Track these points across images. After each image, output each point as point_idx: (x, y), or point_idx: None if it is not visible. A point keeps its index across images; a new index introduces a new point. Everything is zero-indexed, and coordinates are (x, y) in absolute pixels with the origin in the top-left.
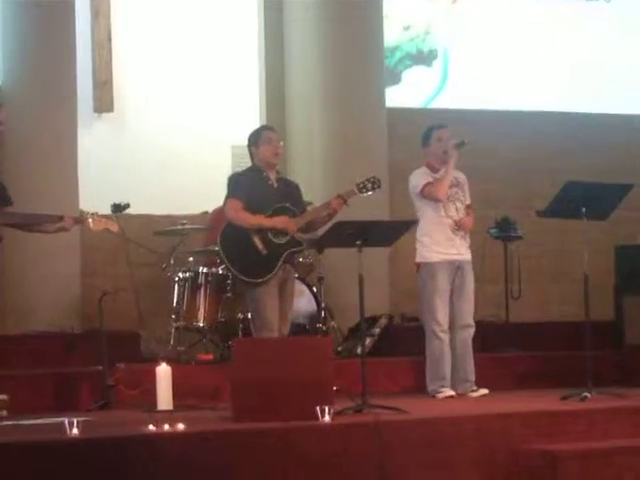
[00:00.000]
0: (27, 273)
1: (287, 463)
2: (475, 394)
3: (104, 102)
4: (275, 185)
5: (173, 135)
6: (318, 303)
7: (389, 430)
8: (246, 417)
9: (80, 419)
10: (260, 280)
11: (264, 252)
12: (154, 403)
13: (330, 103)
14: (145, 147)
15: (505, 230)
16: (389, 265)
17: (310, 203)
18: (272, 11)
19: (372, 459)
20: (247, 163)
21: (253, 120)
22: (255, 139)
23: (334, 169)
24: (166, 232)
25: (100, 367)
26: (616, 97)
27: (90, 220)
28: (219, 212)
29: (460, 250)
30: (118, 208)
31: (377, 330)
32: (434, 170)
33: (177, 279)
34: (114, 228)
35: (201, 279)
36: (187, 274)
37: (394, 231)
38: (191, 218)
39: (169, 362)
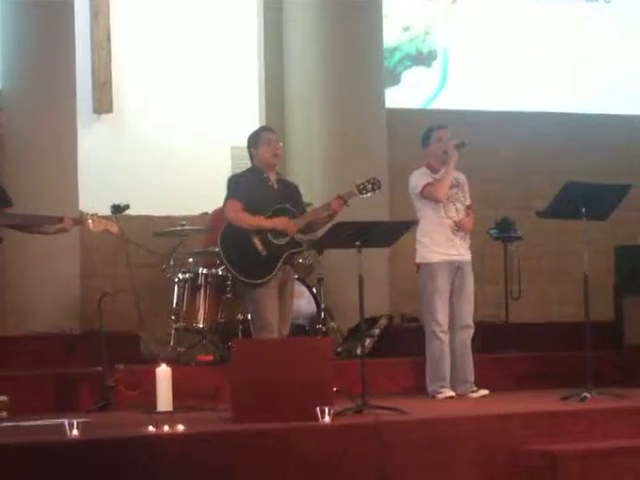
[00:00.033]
0: (27, 274)
1: (287, 464)
2: (475, 395)
3: (103, 103)
4: (275, 186)
5: (172, 136)
6: (318, 304)
7: (389, 431)
8: (246, 418)
9: (80, 420)
10: (260, 281)
11: (264, 253)
12: (154, 404)
13: (329, 104)
14: (144, 148)
15: (505, 231)
16: (389, 266)
17: (310, 204)
18: (271, 11)
19: (372, 460)
20: (246, 164)
21: (252, 121)
22: (254, 140)
23: (334, 170)
24: (166, 233)
25: (100, 368)
26: (616, 98)
27: (90, 221)
28: (218, 213)
29: (460, 251)
30: (118, 209)
31: (377, 331)
32: (434, 171)
33: (177, 280)
34: (114, 229)
35: (201, 280)
36: (187, 275)
37: (394, 232)
38: (190, 219)
39: (169, 363)
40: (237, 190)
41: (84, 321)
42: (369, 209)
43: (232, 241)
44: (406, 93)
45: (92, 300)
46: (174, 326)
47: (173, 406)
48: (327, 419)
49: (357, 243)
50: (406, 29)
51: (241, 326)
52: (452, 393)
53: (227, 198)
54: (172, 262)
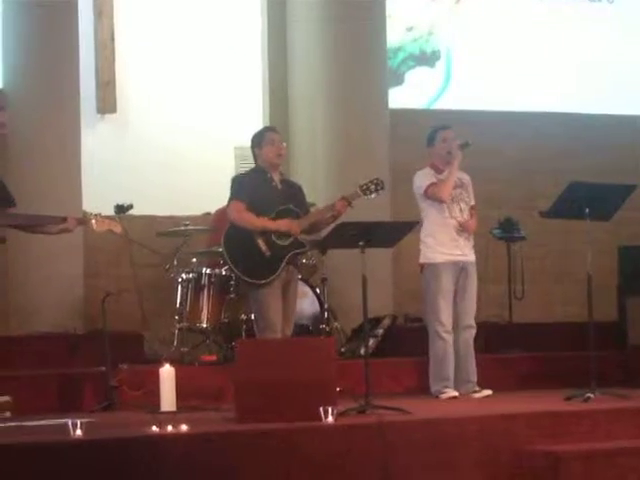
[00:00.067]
0: (31, 274)
1: (290, 464)
2: (478, 395)
3: (107, 103)
4: (279, 186)
5: (176, 136)
6: (321, 304)
7: (392, 431)
8: (249, 418)
9: (83, 420)
10: (264, 281)
11: (268, 254)
12: (157, 404)
13: (333, 104)
14: (148, 148)
15: (508, 231)
16: (393, 266)
17: (313, 204)
18: (275, 11)
19: (375, 460)
20: (250, 164)
21: (256, 121)
22: (258, 140)
23: (337, 170)
24: (169, 233)
25: (103, 368)
26: (620, 98)
27: (93, 221)
28: (222, 213)
29: (464, 251)
30: (121, 209)
31: (380, 331)
32: (438, 171)
33: (180, 280)
34: (117, 229)
35: (204, 280)
36: (190, 275)
37: (397, 232)
38: (194, 219)
39: (172, 363)
40: (240, 190)
41: (87, 321)
42: (372, 209)
43: (236, 241)
44: (409, 93)
45: (96, 300)
46: (178, 326)
47: (177, 406)
48: (330, 419)
49: (360, 243)
50: (410, 29)
51: (245, 326)
52: (455, 393)
53: (230, 198)
54: (176, 262)
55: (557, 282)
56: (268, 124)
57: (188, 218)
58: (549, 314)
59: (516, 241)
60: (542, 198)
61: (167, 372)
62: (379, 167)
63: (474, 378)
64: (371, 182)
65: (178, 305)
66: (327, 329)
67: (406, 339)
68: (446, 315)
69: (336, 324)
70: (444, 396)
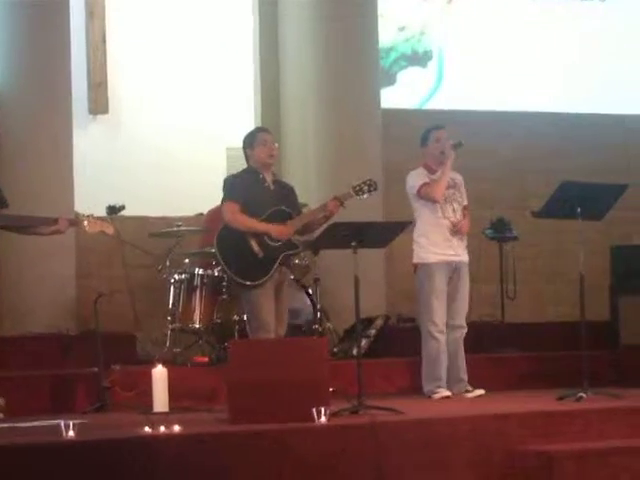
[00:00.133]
0: (23, 274)
1: (283, 465)
2: (471, 395)
3: (99, 104)
4: (271, 187)
5: (168, 137)
6: (314, 304)
7: (385, 431)
8: (242, 419)
9: (76, 421)
10: (256, 282)
11: (260, 255)
12: (150, 405)
13: (325, 104)
14: (140, 149)
15: (500, 231)
16: (385, 266)
17: (305, 205)
18: (267, 11)
19: (368, 460)
20: (242, 165)
21: (248, 122)
22: (250, 141)
23: (329, 170)
24: (161, 234)
25: (96, 369)
26: (611, 97)
27: (85, 222)
28: (214, 214)
29: (457, 251)
30: (113, 210)
31: (373, 331)
32: (431, 171)
33: (173, 281)
34: (109, 231)
35: (197, 281)
36: (183, 276)
37: (389, 232)
38: (186, 220)
39: (165, 364)
40: (233, 191)
41: (80, 322)
42: (364, 209)
43: (229, 242)
44: (402, 93)
45: (88, 301)
46: (170, 327)
47: (169, 407)
48: (323, 419)
49: (353, 244)
50: (402, 29)
51: (237, 327)
52: (448, 393)
53: (224, 200)
54: (168, 263)
55: (549, 282)
56: (260, 125)
57: (180, 219)
58: (541, 314)
59: (508, 241)
60: (534, 198)
61: (160, 373)
62: (371, 167)
63: (465, 377)
64: (364, 183)
65: (170, 306)
66: (320, 329)
67: (399, 339)
68: (439, 315)
69: (329, 324)
70: (437, 396)
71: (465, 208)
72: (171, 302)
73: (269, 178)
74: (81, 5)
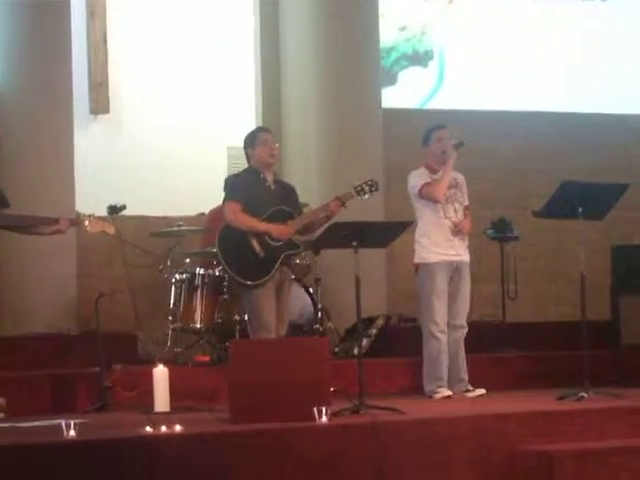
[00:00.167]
0: (24, 274)
1: (284, 464)
2: (472, 394)
3: (100, 104)
4: (272, 187)
5: (169, 136)
6: (315, 304)
7: (386, 431)
8: (243, 418)
9: (77, 421)
10: (257, 282)
11: (261, 254)
12: (151, 405)
13: (326, 104)
14: (141, 148)
15: (501, 231)
16: (386, 266)
17: (306, 204)
18: (268, 11)
19: (369, 460)
20: (243, 165)
21: (249, 121)
22: (251, 141)
23: (330, 170)
24: (162, 233)
25: (97, 369)
26: (612, 97)
27: (87, 222)
28: (215, 214)
29: (459, 251)
30: (114, 210)
31: (374, 331)
32: (433, 171)
33: (174, 281)
34: (110, 230)
35: (198, 281)
36: (184, 276)
37: (390, 232)
38: (187, 220)
39: (166, 364)
40: (235, 191)
41: (81, 321)
42: (365, 209)
43: (230, 242)
44: (402, 93)
45: (89, 300)
46: (171, 326)
47: (170, 407)
48: (324, 419)
49: (354, 243)
50: (402, 29)
51: (238, 326)
52: (449, 393)
53: (225, 200)
54: (169, 263)
55: (550, 282)
56: (261, 124)
57: (181, 219)
58: (542, 314)
59: (509, 241)
60: (535, 198)
61: (161, 373)
62: (372, 167)
63: (466, 376)
64: (365, 183)
65: (172, 306)
66: (321, 329)
67: (400, 339)
68: (440, 315)
69: (330, 324)
70: (438, 396)
71: (466, 208)
72: (172, 302)
73: (270, 178)
74: (82, 5)
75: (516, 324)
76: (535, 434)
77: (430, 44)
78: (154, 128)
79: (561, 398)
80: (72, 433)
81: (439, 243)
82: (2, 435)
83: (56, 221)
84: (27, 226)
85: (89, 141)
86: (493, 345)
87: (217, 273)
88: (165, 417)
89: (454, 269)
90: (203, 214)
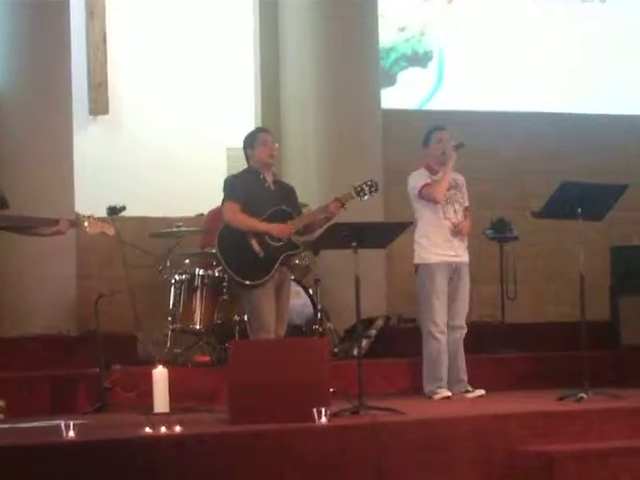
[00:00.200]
0: (24, 275)
1: (284, 465)
2: (471, 395)
3: (99, 104)
4: (272, 187)
5: (168, 137)
6: (314, 305)
7: (386, 431)
8: (243, 419)
9: (76, 422)
10: (257, 282)
11: (261, 254)
12: (151, 405)
13: (325, 104)
14: (140, 149)
15: (501, 231)
16: (386, 266)
17: (305, 205)
18: (267, 12)
19: (369, 460)
20: (242, 165)
21: (248, 122)
22: (250, 141)
23: (329, 170)
24: (162, 234)
25: (96, 369)
26: (611, 97)
27: (86, 223)
28: (214, 214)
29: (458, 252)
30: (114, 211)
31: (373, 331)
32: (433, 172)
33: (173, 281)
34: (110, 232)
35: (197, 281)
36: (183, 276)
37: (389, 232)
38: (187, 220)
39: (166, 364)
40: (234, 191)
41: (81, 322)
42: (365, 210)
43: (229, 242)
44: (402, 94)
45: (88, 301)
46: (171, 327)
47: (170, 407)
48: (324, 420)
49: (353, 244)
50: (402, 29)
51: (238, 327)
52: (449, 393)
53: (224, 200)
54: (168, 263)
55: (549, 282)
56: (260, 125)
57: (181, 219)
58: (541, 314)
59: (508, 241)
60: (534, 198)
61: (160, 373)
62: (372, 168)
63: (465, 377)
64: (365, 184)
65: (171, 306)
66: (320, 330)
67: (399, 340)
68: (440, 315)
69: (329, 325)
70: (437, 396)
71: (466, 209)
72: (172, 303)
73: (269, 178)
74: (81, 5)
75: (515, 324)
76: (535, 435)
77: (429, 45)
78: (153, 129)
79: (561, 399)
80: (71, 434)
81: (438, 244)
82: (2, 436)
83: (56, 222)
84: (27, 227)
85: (88, 142)
86: (492, 346)
87: (217, 274)
88: (165, 418)
89: (453, 270)
90: (202, 215)
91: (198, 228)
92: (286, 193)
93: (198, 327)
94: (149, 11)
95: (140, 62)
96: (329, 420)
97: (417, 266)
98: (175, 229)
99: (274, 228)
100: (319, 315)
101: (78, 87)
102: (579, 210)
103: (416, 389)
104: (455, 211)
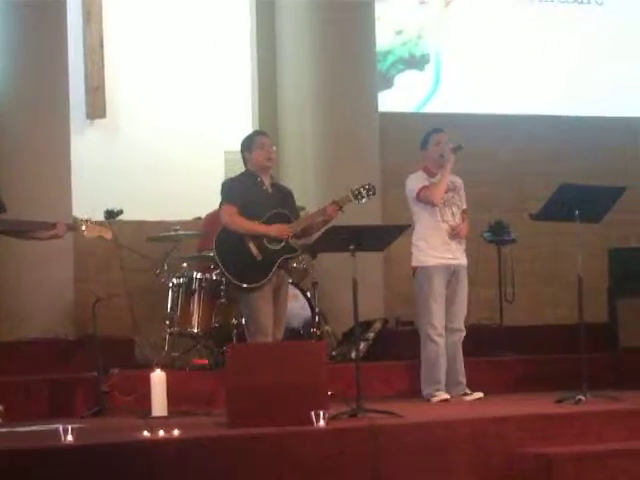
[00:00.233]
0: (21, 278)
1: (282, 468)
2: (469, 398)
3: (97, 108)
4: (269, 190)
5: (166, 140)
6: (312, 308)
7: (384, 434)
8: (241, 422)
9: (74, 426)
10: (255, 285)
11: (259, 258)
12: (149, 409)
13: (322, 107)
14: (138, 153)
15: (499, 234)
16: (383, 269)
17: (303, 208)
18: (264, 16)
19: (367, 463)
20: (240, 169)
21: (246, 125)
22: (248, 144)
23: (327, 173)
24: (159, 238)
25: (94, 373)
26: (610, 100)
27: (84, 227)
28: (212, 217)
29: (456, 254)
30: (111, 214)
31: (371, 334)
32: (431, 174)
33: (171, 285)
34: (108, 235)
35: (195, 285)
36: (181, 280)
37: (387, 235)
38: (184, 224)
39: (163, 368)
40: (231, 194)
41: (78, 326)
42: (362, 213)
43: (227, 245)
44: (399, 97)
45: (86, 305)
46: (168, 331)
47: (168, 411)
48: (322, 423)
49: (351, 247)
50: (399, 33)
51: (235, 330)
52: (447, 396)
53: (222, 203)
54: (166, 267)
55: (547, 284)
56: (257, 128)
57: (178, 223)
58: (539, 317)
59: (506, 244)
60: (532, 200)
61: (158, 377)
62: (369, 171)
63: (463, 380)
64: (362, 187)
65: (169, 310)
66: (318, 333)
67: (397, 342)
68: (438, 318)
69: (327, 328)
70: (435, 399)
71: (464, 212)
72: (169, 306)
73: (267, 181)
74: (78, 9)
75: (513, 327)
76: (533, 437)
77: (426, 48)
78: (151, 132)
79: (559, 401)
80: (69, 438)
81: (436, 247)
82: (0, 440)
83: (53, 226)
84: (24, 231)
85: (86, 145)
86: (491, 348)
87: (214, 277)
88: (163, 421)
89: (451, 272)
90: (200, 218)
91: (195, 231)
92: (284, 196)
93: (196, 330)
94: (146, 15)
95: (137, 66)
96: (327, 423)
97: (415, 269)
98: (172, 233)
99: (273, 229)
100: (317, 318)
101: (75, 91)
102: (577, 212)
103: (414, 392)
104: (453, 214)
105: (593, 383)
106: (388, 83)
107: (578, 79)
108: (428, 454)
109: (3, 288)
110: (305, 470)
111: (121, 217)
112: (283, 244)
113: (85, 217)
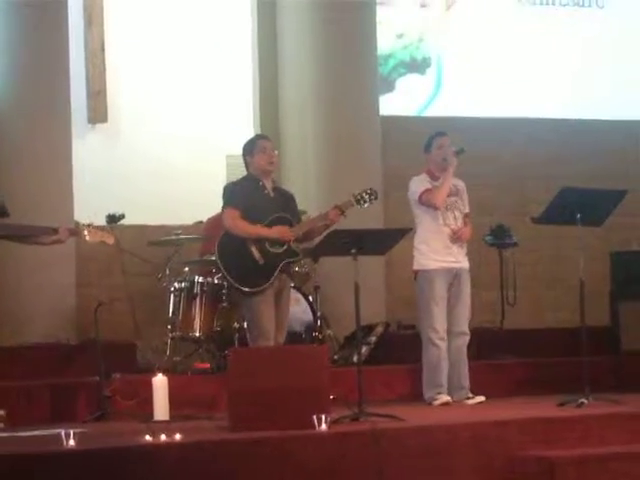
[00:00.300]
0: (23, 282)
1: (284, 472)
2: (471, 401)
3: (98, 112)
4: (271, 194)
5: (167, 145)
6: (314, 312)
7: (386, 438)
8: (243, 426)
9: (77, 430)
10: (257, 289)
11: (261, 261)
12: (151, 413)
13: (324, 111)
14: (139, 157)
15: (500, 237)
16: (385, 273)
17: (304, 212)
18: (265, 18)
19: (369, 467)
20: (242, 173)
21: (247, 129)
22: (250, 148)
23: (328, 177)
24: (161, 242)
25: (96, 378)
26: (611, 103)
27: (86, 232)
28: (214, 222)
29: (458, 258)
30: (113, 219)
31: (373, 338)
32: (434, 178)
33: (173, 289)
34: (110, 240)
35: (197, 289)
36: (183, 284)
37: (389, 239)
38: (185, 228)
39: (165, 372)
40: (233, 198)
41: (80, 331)
42: (364, 216)
43: (229, 249)
44: (400, 100)
45: (88, 309)
46: (170, 335)
47: (170, 415)
48: (324, 427)
49: (353, 251)
50: (400, 36)
51: (237, 334)
52: (449, 399)
53: (224, 207)
54: (168, 271)
55: (549, 288)
56: (259, 131)
57: (180, 227)
58: (541, 320)
59: (508, 247)
60: (534, 204)
61: (160, 381)
62: (371, 174)
63: (467, 384)
64: (365, 192)
65: (170, 314)
66: (320, 337)
67: (399, 346)
68: (440, 322)
69: (329, 332)
70: (437, 402)
71: (467, 216)
72: (171, 310)
73: (269, 185)
74: (79, 13)
75: (515, 330)
76: (535, 440)
77: (428, 51)
78: (152, 136)
79: (561, 404)
80: (72, 442)
81: (438, 250)
82: (2, 445)
83: (55, 231)
84: (27, 236)
85: (87, 150)
86: (492, 352)
87: (216, 281)
88: (165, 426)
89: (453, 276)
90: (201, 222)
91: (197, 236)
92: (286, 200)
93: (198, 335)
94: (147, 18)
95: (139, 70)
96: (329, 427)
97: (416, 272)
98: (174, 237)
99: (275, 231)
100: (319, 322)
101: (77, 95)
102: (578, 216)
103: (416, 395)
104: (455, 218)
105: (595, 386)
106: (389, 87)
107: (579, 82)
108: (430, 458)
109: (4, 292)
110: (307, 474)
111: (123, 221)
112: (285, 248)
113: (87, 222)
